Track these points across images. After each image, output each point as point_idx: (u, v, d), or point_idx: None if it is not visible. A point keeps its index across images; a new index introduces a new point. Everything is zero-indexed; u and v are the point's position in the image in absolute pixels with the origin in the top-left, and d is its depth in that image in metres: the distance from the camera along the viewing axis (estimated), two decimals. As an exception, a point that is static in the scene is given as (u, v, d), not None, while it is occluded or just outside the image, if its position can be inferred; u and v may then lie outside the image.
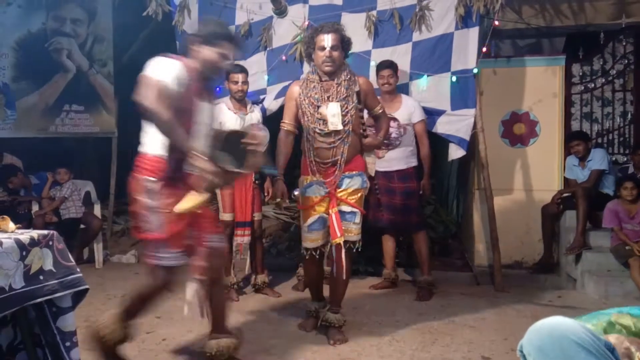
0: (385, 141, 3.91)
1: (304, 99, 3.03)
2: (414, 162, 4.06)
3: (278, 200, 3.15)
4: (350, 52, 4.21)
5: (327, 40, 2.92)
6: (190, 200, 2.30)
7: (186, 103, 2.38)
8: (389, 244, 4.24)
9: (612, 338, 1.43)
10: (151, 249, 2.41)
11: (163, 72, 2.30)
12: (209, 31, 2.47)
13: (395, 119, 3.93)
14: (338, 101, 2.96)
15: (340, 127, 2.94)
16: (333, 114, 2.94)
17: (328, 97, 2.97)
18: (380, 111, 3.17)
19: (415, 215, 4.08)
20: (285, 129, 3.12)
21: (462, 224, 5.30)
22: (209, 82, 2.61)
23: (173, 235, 2.36)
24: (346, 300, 3.71)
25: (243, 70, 4.00)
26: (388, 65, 4.00)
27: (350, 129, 2.98)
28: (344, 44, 2.99)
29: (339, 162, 2.99)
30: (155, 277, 2.44)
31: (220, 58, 2.46)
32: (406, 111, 3.99)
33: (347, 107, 2.96)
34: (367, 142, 3.08)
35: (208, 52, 2.44)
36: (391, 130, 3.87)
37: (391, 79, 3.97)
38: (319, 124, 2.99)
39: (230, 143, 2.40)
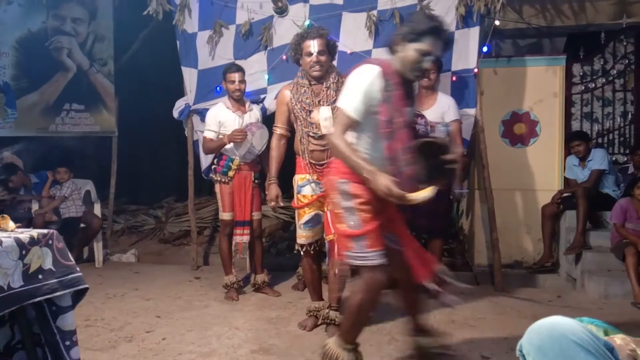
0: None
1: (296, 104, 3.10)
2: None
3: (272, 203, 3.20)
4: (350, 51, 4.30)
5: (313, 46, 2.98)
6: (423, 192, 2.24)
7: (390, 114, 2.28)
8: None
9: (618, 339, 1.43)
10: (354, 248, 2.33)
11: (357, 94, 2.25)
12: (408, 26, 2.29)
13: (422, 116, 3.84)
14: (329, 104, 3.03)
15: (332, 130, 2.98)
16: (325, 117, 3.01)
17: (319, 101, 3.05)
18: None
19: (443, 218, 4.00)
20: (277, 132, 3.22)
21: (462, 224, 5.30)
22: (411, 85, 2.45)
23: (370, 232, 2.32)
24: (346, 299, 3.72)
25: (239, 69, 4.00)
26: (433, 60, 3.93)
27: None
28: (330, 47, 3.07)
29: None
30: (367, 280, 2.35)
31: (419, 56, 2.25)
32: (439, 110, 3.89)
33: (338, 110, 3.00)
34: None
35: (407, 51, 2.27)
36: (418, 127, 3.85)
37: (432, 75, 3.87)
38: (312, 128, 3.06)
39: (424, 152, 2.31)
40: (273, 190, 3.20)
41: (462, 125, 4.20)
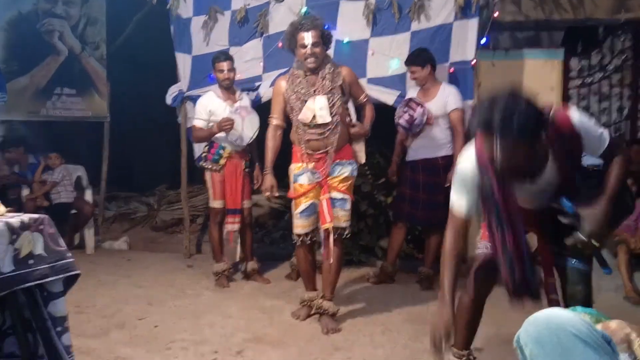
0: (407, 125, 3.88)
1: (291, 94, 3.10)
2: (443, 152, 3.87)
3: (267, 194, 3.20)
4: (347, 40, 4.26)
5: (307, 37, 2.97)
6: None
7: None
8: (398, 237, 4.08)
9: (614, 323, 1.44)
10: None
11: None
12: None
13: (421, 105, 3.82)
14: (324, 94, 3.03)
15: (328, 119, 3.03)
16: (320, 107, 3.02)
17: (314, 91, 3.05)
18: (364, 100, 3.26)
19: (441, 211, 3.95)
20: (274, 123, 3.21)
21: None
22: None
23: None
24: (340, 290, 3.72)
25: (228, 58, 3.97)
26: (412, 62, 3.87)
27: (339, 119, 3.06)
28: (324, 38, 3.04)
29: (329, 151, 3.07)
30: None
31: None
32: (440, 102, 3.83)
33: (333, 99, 3.04)
34: (354, 132, 3.16)
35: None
36: (415, 115, 3.83)
37: (416, 74, 3.85)
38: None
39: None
40: (268, 180, 3.19)
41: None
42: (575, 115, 2.02)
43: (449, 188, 3.89)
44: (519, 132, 1.78)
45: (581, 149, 2.06)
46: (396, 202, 4.18)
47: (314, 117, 3.03)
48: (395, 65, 4.22)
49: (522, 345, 1.44)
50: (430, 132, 3.88)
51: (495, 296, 3.92)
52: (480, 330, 3.13)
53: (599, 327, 1.46)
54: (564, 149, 2.00)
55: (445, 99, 3.84)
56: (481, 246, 2.27)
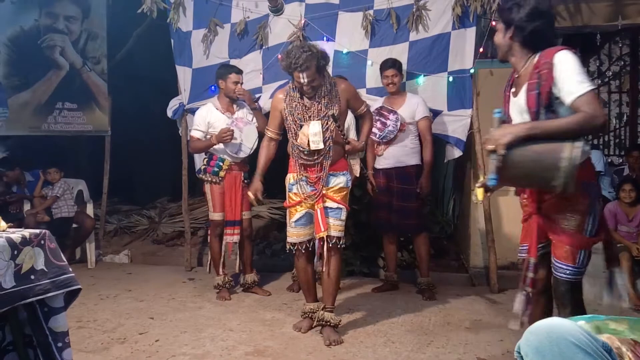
0: (381, 133, 3.92)
1: (288, 115, 3.11)
2: (414, 161, 3.97)
3: (251, 196, 3.20)
4: (347, 51, 4.29)
5: (302, 77, 2.96)
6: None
7: None
8: (390, 246, 4.14)
9: (604, 338, 1.44)
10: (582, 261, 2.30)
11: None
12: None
13: (394, 112, 3.90)
14: (319, 119, 3.03)
15: (321, 146, 3.03)
16: (315, 132, 3.01)
17: (309, 117, 3.05)
18: (364, 110, 3.24)
19: (415, 217, 4.00)
20: (269, 135, 3.24)
21: (458, 225, 5.29)
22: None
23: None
24: (342, 301, 3.71)
25: (241, 71, 4.02)
26: (391, 65, 3.94)
27: (331, 144, 3.06)
28: (319, 70, 3.00)
29: (321, 177, 3.08)
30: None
31: None
32: (409, 109, 3.93)
33: (327, 124, 3.04)
34: (348, 149, 3.16)
35: None
36: (388, 122, 3.88)
37: (395, 79, 3.91)
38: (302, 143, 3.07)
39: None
40: (255, 183, 3.22)
41: (459, 126, 4.20)
42: (564, 53, 2.06)
43: (417, 195, 3.97)
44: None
45: (550, 82, 2.05)
46: (375, 212, 4.16)
47: (308, 143, 3.03)
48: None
49: (522, 355, 1.43)
50: (401, 140, 3.94)
51: (498, 306, 3.91)
52: (483, 339, 3.13)
53: None
54: (536, 74, 2.10)
55: (414, 107, 3.92)
56: (522, 249, 2.39)
